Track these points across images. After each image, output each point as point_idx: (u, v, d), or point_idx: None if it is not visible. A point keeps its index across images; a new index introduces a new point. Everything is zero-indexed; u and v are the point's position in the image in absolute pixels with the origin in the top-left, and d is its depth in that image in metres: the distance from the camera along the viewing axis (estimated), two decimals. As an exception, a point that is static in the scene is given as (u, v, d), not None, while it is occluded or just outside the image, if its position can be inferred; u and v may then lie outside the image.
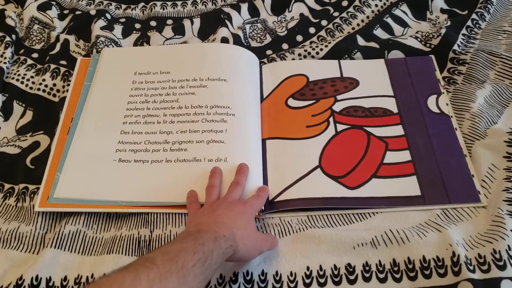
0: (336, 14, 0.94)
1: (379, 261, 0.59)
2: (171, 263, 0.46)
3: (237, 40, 0.89)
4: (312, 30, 0.92)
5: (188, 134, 0.72)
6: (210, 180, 0.66)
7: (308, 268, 0.59)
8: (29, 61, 0.89)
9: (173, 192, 0.67)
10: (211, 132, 0.71)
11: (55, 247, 0.62)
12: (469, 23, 0.87)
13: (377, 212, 0.65)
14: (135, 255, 0.62)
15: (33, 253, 0.64)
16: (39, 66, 0.89)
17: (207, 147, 0.70)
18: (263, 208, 0.65)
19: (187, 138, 0.71)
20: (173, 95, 0.77)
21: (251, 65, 0.83)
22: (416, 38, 0.85)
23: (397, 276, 0.58)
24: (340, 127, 0.73)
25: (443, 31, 0.84)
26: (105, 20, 0.94)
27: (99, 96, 0.79)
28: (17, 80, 0.86)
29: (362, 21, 0.93)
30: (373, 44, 0.86)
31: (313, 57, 0.85)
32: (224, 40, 0.89)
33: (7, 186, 0.72)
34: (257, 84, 0.81)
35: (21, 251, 0.64)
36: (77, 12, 0.98)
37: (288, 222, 0.65)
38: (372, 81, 0.79)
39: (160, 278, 0.44)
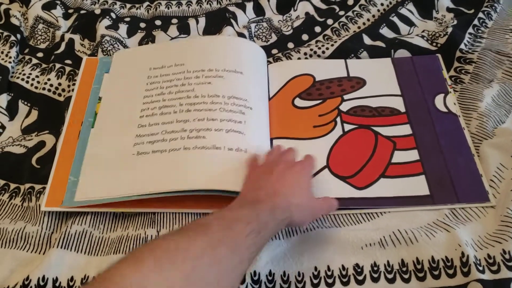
0: (341, 13, 0.94)
1: (388, 261, 0.59)
2: (225, 231, 0.45)
3: (242, 39, 0.89)
4: (317, 29, 0.91)
5: (205, 122, 0.70)
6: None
7: (316, 269, 0.59)
8: (34, 61, 0.89)
9: (193, 179, 0.64)
10: (230, 121, 0.70)
11: (61, 247, 0.62)
12: (475, 22, 0.86)
13: (385, 212, 0.64)
14: (142, 255, 0.61)
15: (39, 253, 0.63)
16: (44, 66, 0.88)
17: (226, 135, 0.69)
18: None
19: (205, 126, 0.69)
20: (188, 85, 0.76)
21: (262, 61, 0.83)
22: (422, 37, 0.85)
23: (406, 276, 0.57)
24: (348, 127, 0.73)
25: (449, 30, 0.83)
26: (110, 19, 0.94)
27: (114, 97, 0.78)
28: (22, 79, 0.85)
29: (368, 20, 0.92)
30: (379, 43, 0.85)
31: (319, 56, 0.85)
32: (230, 39, 0.89)
33: (12, 186, 0.72)
34: (266, 81, 0.80)
35: (27, 251, 0.63)
36: (82, 12, 0.98)
37: (295, 222, 0.64)
38: (379, 81, 0.79)
39: (213, 245, 0.43)
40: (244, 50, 0.82)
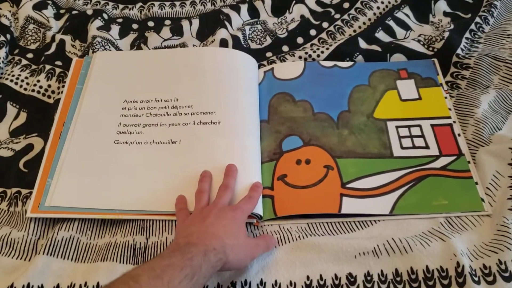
0: (337, 16, 0.92)
1: (381, 271, 0.57)
2: (156, 281, 0.44)
3: (236, 42, 0.88)
4: (313, 32, 0.90)
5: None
6: (199, 185, 0.64)
7: (308, 278, 0.58)
8: (24, 62, 0.87)
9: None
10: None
11: (47, 254, 0.60)
12: (472, 26, 0.85)
13: (379, 220, 0.63)
14: (129, 263, 0.60)
15: (24, 260, 0.62)
16: (34, 67, 0.87)
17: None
18: (261, 214, 0.63)
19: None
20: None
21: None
22: (418, 41, 0.84)
23: (400, 286, 0.56)
24: None
25: (446, 34, 0.82)
26: (102, 20, 0.93)
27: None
28: (11, 80, 0.84)
29: (364, 23, 0.91)
30: (375, 47, 0.84)
31: (314, 59, 0.83)
32: (223, 41, 0.88)
33: (-1, 190, 0.70)
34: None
35: (12, 258, 0.62)
36: (74, 12, 0.97)
37: (287, 229, 0.63)
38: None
39: None
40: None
